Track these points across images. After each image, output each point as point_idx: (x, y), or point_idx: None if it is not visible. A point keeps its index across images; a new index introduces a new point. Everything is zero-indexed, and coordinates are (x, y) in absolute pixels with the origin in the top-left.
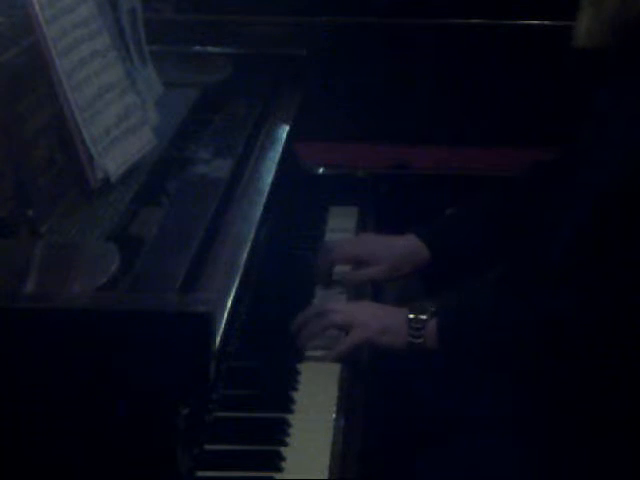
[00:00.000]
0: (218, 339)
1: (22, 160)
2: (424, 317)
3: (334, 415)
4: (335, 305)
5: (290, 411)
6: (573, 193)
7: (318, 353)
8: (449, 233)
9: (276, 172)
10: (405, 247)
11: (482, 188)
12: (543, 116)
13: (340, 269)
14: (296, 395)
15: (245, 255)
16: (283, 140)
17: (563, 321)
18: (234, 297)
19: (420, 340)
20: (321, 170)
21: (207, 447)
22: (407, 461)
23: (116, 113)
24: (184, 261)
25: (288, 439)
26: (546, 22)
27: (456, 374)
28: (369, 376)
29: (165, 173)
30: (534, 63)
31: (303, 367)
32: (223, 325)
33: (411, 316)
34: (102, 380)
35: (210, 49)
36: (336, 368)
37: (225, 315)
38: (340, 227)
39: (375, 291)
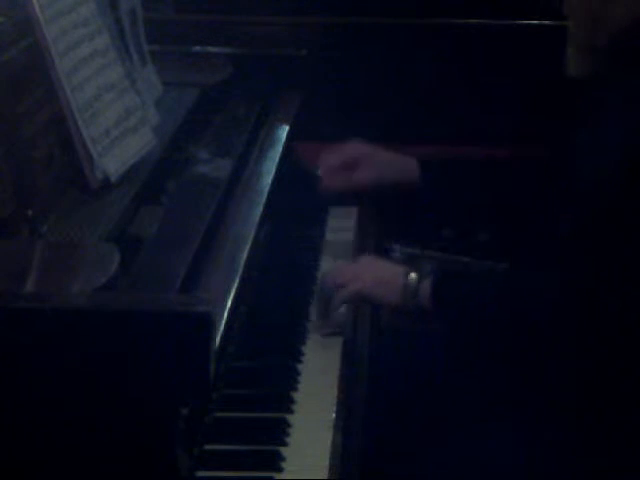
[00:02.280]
0: (218, 339)
1: (22, 160)
2: (421, 274)
3: (334, 415)
4: (335, 267)
5: (290, 411)
6: (571, 188)
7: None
8: (444, 166)
9: (276, 172)
10: (396, 156)
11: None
12: (545, 116)
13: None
14: (296, 395)
15: (245, 255)
16: (283, 140)
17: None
18: (234, 297)
19: (414, 296)
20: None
21: (207, 447)
22: (408, 461)
23: (116, 113)
24: (184, 261)
25: (288, 439)
26: (545, 22)
27: (458, 374)
28: (369, 376)
29: (165, 173)
30: (534, 62)
31: (303, 367)
32: (223, 325)
33: (408, 272)
34: (101, 381)
35: (210, 49)
36: (336, 369)
37: (225, 315)
38: (340, 227)
39: None
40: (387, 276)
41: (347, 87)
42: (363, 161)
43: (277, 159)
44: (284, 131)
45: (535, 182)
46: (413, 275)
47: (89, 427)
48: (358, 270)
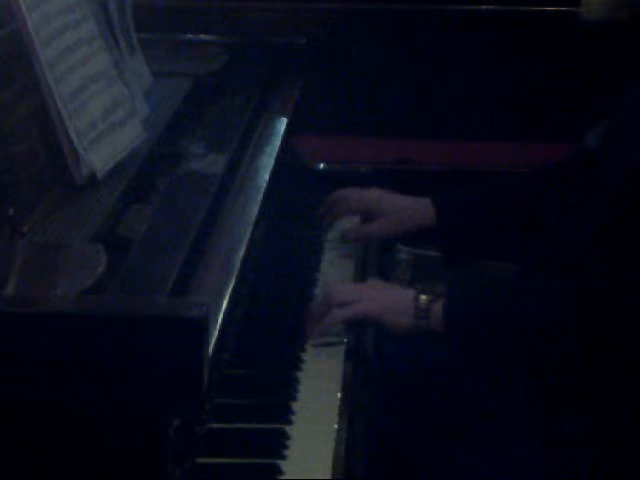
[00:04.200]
0: (212, 345)
1: (2, 156)
2: (431, 297)
3: (336, 426)
4: (340, 285)
5: (289, 422)
6: (591, 192)
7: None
8: (459, 201)
9: (273, 168)
10: (410, 203)
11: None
12: (553, 110)
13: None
14: (295, 405)
15: (241, 256)
16: (281, 134)
17: (579, 312)
18: (229, 301)
19: (425, 320)
20: (321, 166)
21: (200, 461)
22: (415, 477)
23: (103, 105)
24: (175, 262)
25: (286, 452)
26: (553, 8)
27: (464, 378)
28: (372, 386)
29: (155, 169)
30: (543, 53)
31: (303, 375)
32: (217, 330)
33: (418, 295)
34: (87, 390)
35: (203, 37)
36: (338, 377)
37: (219, 320)
38: (341, 226)
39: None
40: (396, 299)
41: (349, 77)
42: (379, 213)
43: (275, 153)
44: (282, 124)
45: (554, 190)
46: (424, 297)
47: (74, 439)
48: (365, 291)
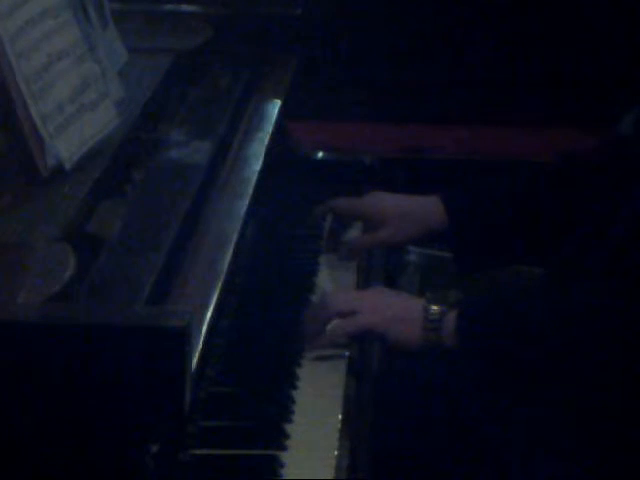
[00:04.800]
0: (195, 359)
1: None
2: (443, 307)
3: (336, 452)
4: (339, 293)
5: (283, 448)
6: (626, 185)
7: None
8: (473, 199)
9: (265, 157)
10: (417, 204)
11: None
12: (582, 91)
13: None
14: (290, 428)
15: (228, 258)
16: (274, 118)
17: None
18: (214, 309)
19: (436, 334)
20: (320, 155)
21: None
22: None
23: (71, 85)
24: (153, 265)
25: None
26: None
27: (481, 398)
28: (378, 406)
29: (130, 158)
30: (571, 27)
31: (299, 394)
32: (201, 343)
33: (428, 305)
34: (54, 409)
35: (185, 8)
36: (339, 396)
37: (203, 331)
38: (343, 224)
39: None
40: (403, 309)
41: (351, 54)
42: (383, 218)
43: (267, 141)
44: (275, 107)
45: (584, 183)
46: (435, 308)
47: (39, 467)
48: (368, 300)
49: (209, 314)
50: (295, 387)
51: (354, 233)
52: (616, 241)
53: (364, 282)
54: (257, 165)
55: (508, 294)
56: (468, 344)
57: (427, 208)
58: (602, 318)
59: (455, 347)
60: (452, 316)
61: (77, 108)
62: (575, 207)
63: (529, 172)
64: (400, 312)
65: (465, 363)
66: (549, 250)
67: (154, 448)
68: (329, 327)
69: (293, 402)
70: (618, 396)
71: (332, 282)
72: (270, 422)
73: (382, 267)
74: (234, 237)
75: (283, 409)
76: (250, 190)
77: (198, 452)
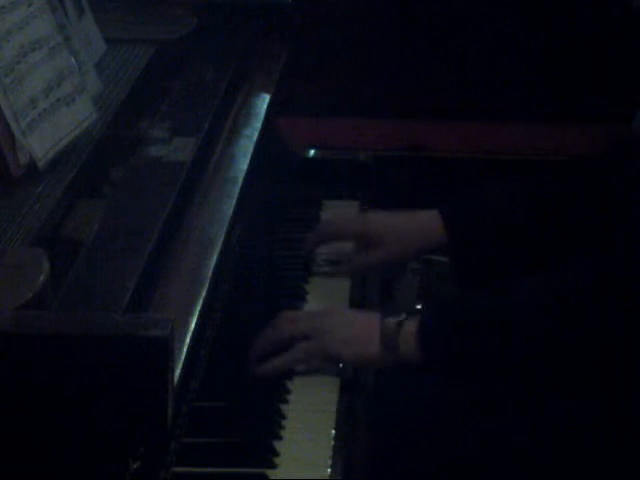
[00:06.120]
0: (178, 371)
1: None
2: (400, 318)
3: (329, 471)
4: (293, 313)
5: (272, 466)
6: None
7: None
8: (474, 212)
9: (253, 156)
10: (414, 222)
11: (521, 174)
12: (593, 86)
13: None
14: (280, 446)
15: (213, 263)
16: (262, 114)
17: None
18: (199, 317)
19: (394, 347)
20: (312, 153)
21: None
22: None
23: (45, 78)
24: (133, 271)
25: None
26: None
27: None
28: (373, 422)
29: (109, 156)
30: (580, 16)
31: (290, 409)
32: (184, 353)
33: (384, 319)
34: (27, 424)
35: None
36: (332, 411)
37: (187, 341)
38: (332, 256)
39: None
40: (358, 329)
41: (346, 46)
42: (378, 240)
43: (255, 138)
44: (264, 102)
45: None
46: (391, 320)
47: None
48: (320, 324)
49: (193, 323)
50: (285, 401)
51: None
52: (629, 242)
53: (359, 288)
54: (244, 164)
55: (481, 295)
56: (431, 356)
57: (425, 225)
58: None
59: (416, 359)
60: (411, 326)
61: (51, 103)
62: (587, 212)
63: (532, 181)
64: (354, 331)
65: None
66: (553, 262)
67: (134, 465)
68: (277, 358)
69: (283, 417)
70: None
71: (324, 289)
72: (258, 439)
73: (378, 273)
74: (219, 241)
75: (272, 425)
76: (237, 190)
77: (181, 470)
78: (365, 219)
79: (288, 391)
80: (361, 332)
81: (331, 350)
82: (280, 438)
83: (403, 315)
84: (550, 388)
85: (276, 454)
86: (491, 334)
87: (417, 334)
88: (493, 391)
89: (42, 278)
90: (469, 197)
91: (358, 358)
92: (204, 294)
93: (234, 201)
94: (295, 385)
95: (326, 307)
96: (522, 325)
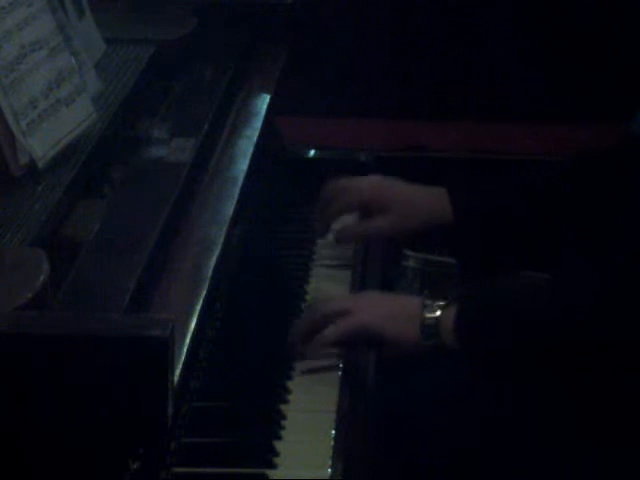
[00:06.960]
0: (178, 371)
1: None
2: (441, 302)
3: (329, 471)
4: (329, 296)
5: (272, 466)
6: None
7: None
8: (481, 197)
9: (253, 156)
10: (422, 193)
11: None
12: (596, 84)
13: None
14: (280, 445)
15: (213, 263)
16: (263, 114)
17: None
18: (199, 317)
19: (434, 332)
20: (312, 153)
21: None
22: None
23: (45, 79)
24: (134, 271)
25: None
26: None
27: (486, 409)
28: (374, 421)
29: (109, 156)
30: (582, 12)
31: (289, 408)
32: (184, 353)
33: (426, 301)
34: (27, 424)
35: None
36: (332, 411)
37: (187, 341)
38: (336, 227)
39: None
40: (399, 307)
41: (346, 45)
42: (381, 204)
43: (255, 138)
44: (264, 102)
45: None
46: (433, 304)
47: None
48: (362, 299)
49: (193, 323)
50: (286, 401)
51: (350, 219)
52: (632, 241)
53: (359, 288)
54: (244, 164)
55: (514, 288)
56: (467, 341)
57: (432, 199)
58: (609, 314)
59: (454, 345)
60: (451, 312)
61: (52, 103)
62: (589, 207)
63: (540, 171)
64: (396, 309)
65: (463, 376)
66: (557, 254)
67: (134, 465)
68: (319, 334)
69: (283, 417)
70: (621, 398)
71: (325, 288)
72: (258, 439)
73: (379, 273)
74: (220, 241)
75: (272, 425)
76: (237, 190)
77: (181, 470)
78: (371, 184)
79: (288, 391)
80: (403, 311)
81: (372, 325)
82: (280, 438)
83: (442, 301)
84: (575, 381)
85: (276, 454)
86: (517, 328)
87: (456, 318)
88: (497, 391)
89: (42, 278)
90: (475, 184)
91: (397, 336)
92: (204, 294)
93: (234, 201)
94: (295, 385)
95: (366, 291)
96: (558, 314)
